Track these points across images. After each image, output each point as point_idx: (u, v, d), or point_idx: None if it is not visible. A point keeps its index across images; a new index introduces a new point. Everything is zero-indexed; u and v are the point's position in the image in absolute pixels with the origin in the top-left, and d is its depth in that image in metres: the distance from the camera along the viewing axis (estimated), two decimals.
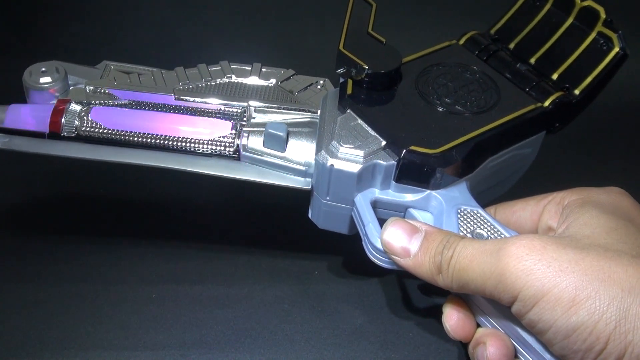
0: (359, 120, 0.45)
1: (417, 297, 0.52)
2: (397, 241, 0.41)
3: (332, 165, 0.43)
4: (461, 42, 0.53)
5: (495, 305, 0.39)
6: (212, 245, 0.55)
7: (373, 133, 0.44)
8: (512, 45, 0.52)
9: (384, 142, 0.44)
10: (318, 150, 0.44)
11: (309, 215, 0.48)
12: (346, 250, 0.54)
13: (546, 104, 0.47)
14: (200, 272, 0.53)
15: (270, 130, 0.45)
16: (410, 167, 0.43)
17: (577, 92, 0.48)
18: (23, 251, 0.54)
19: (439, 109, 0.46)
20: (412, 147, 0.43)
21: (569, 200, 0.42)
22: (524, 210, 0.45)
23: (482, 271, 0.36)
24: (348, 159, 0.43)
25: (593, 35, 0.49)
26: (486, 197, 0.50)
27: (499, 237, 0.41)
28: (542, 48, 0.51)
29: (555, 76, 0.49)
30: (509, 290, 0.35)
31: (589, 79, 0.48)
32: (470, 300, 0.42)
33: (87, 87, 0.49)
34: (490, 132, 0.45)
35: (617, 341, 0.32)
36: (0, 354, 0.46)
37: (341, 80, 0.48)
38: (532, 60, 0.51)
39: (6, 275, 0.52)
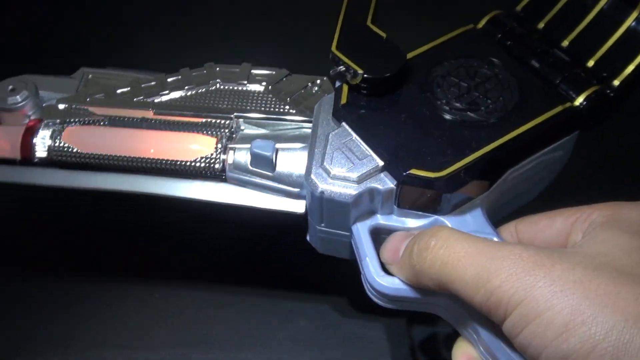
0: (354, 136, 0.39)
1: None
2: (390, 247, 0.37)
3: (322, 192, 0.38)
4: (480, 25, 0.45)
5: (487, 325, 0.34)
6: (212, 245, 0.53)
7: (369, 152, 0.38)
8: (541, 25, 0.44)
9: (381, 163, 0.38)
10: (308, 173, 0.39)
11: (307, 239, 0.43)
12: None
13: (578, 102, 0.40)
14: (202, 271, 0.52)
15: (255, 150, 0.40)
16: (410, 193, 0.37)
17: (616, 82, 0.41)
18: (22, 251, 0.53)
19: (447, 117, 0.40)
20: (412, 171, 0.37)
21: (596, 216, 0.36)
22: (550, 228, 0.38)
23: (477, 273, 0.31)
24: (340, 184, 0.38)
25: (636, 13, 0.41)
26: (510, 207, 0.44)
27: None
28: (577, 29, 0.43)
29: (591, 63, 0.42)
30: (502, 305, 0.30)
31: (631, 67, 0.41)
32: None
33: (59, 104, 0.44)
34: (507, 144, 0.38)
35: None
36: (1, 353, 0.47)
37: (336, 84, 0.42)
38: (565, 44, 0.43)
39: (6, 275, 0.51)
